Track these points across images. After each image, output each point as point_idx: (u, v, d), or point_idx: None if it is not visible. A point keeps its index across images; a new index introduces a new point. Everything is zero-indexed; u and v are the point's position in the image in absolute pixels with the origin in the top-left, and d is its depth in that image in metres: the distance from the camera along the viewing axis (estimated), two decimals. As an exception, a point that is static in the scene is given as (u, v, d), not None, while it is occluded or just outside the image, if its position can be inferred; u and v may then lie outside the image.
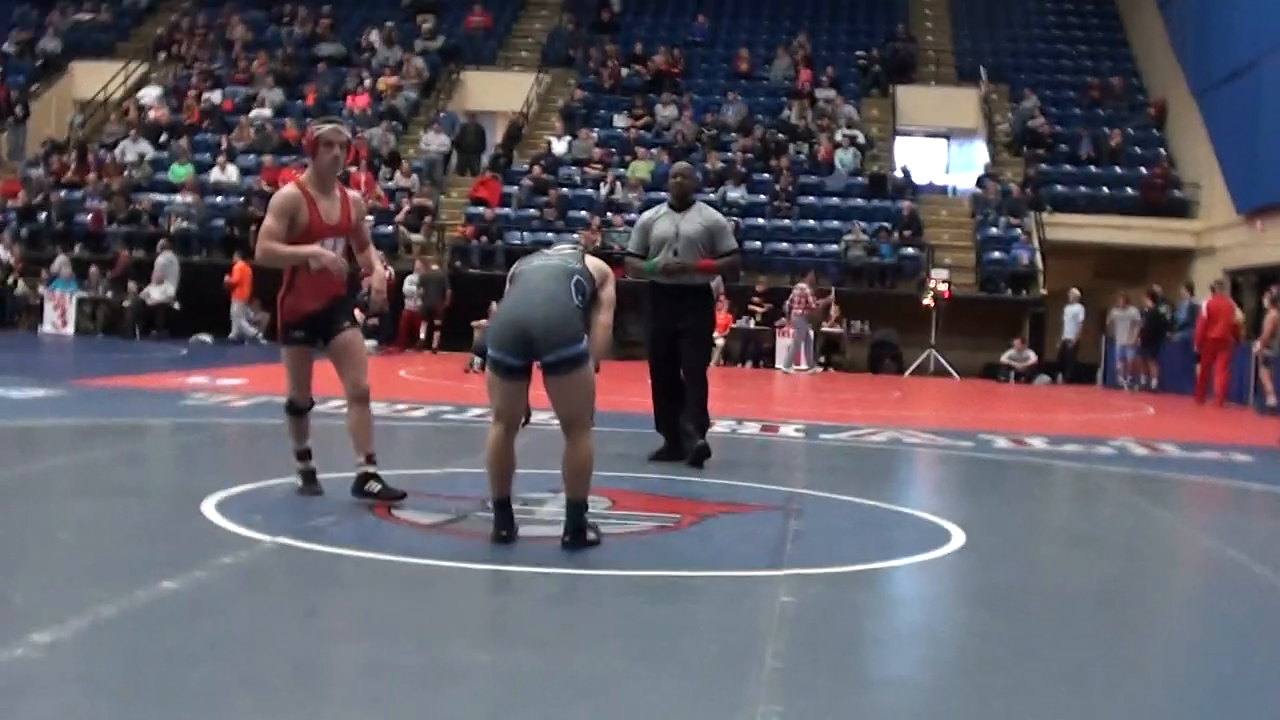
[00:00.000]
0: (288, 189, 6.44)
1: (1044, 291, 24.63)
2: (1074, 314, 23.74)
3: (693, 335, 8.99)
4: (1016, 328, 24.20)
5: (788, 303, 23.03)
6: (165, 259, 23.95)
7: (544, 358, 5.41)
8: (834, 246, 25.59)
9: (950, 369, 23.48)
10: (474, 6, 32.87)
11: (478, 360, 5.99)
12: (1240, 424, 15.75)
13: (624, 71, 30.76)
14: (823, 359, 23.90)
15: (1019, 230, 25.56)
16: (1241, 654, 4.48)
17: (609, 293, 5.88)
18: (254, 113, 29.18)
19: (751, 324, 24.02)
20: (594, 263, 5.82)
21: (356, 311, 24.75)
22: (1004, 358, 23.33)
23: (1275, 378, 17.29)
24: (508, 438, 5.59)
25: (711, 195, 25.14)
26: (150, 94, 30.38)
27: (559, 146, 28.19)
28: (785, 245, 25.62)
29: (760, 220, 26.06)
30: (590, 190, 26.83)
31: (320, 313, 6.41)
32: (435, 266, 24.00)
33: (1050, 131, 28.24)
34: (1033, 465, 10.15)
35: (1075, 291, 24.07)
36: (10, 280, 24.65)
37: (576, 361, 5.42)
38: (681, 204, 9.13)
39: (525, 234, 25.65)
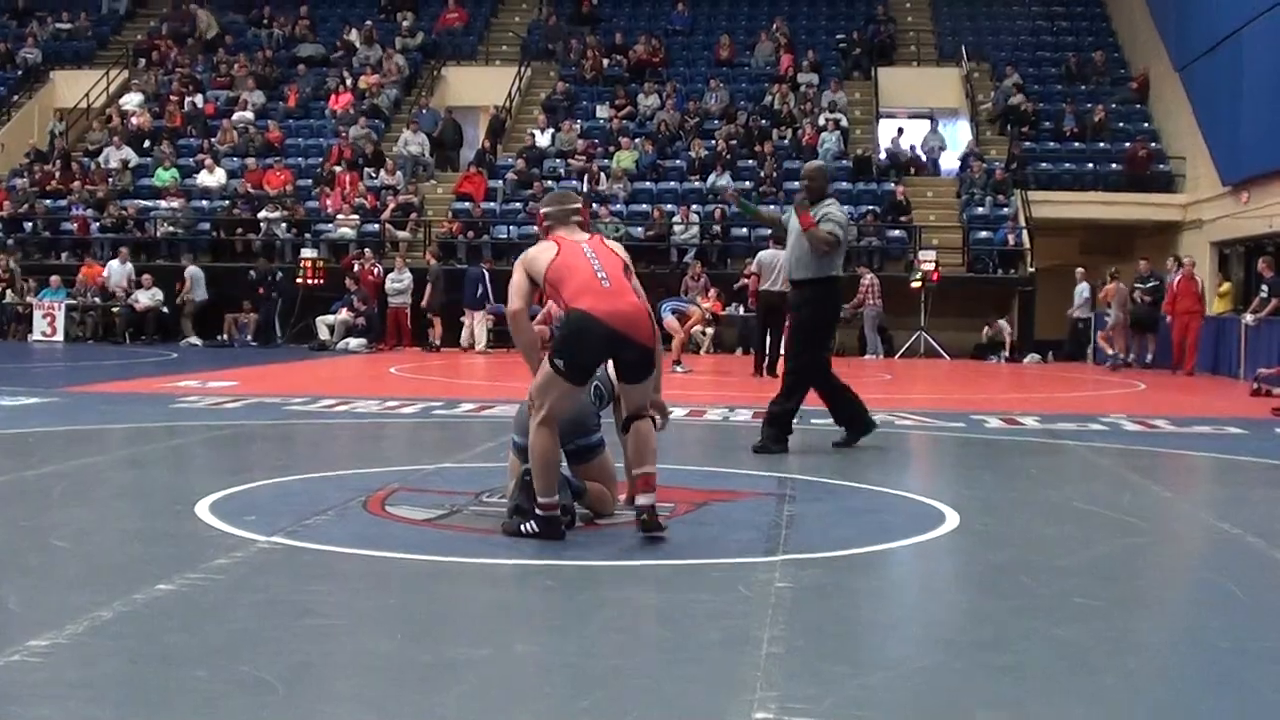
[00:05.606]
0: None
1: (1032, 270, 24.63)
2: (1081, 292, 23.75)
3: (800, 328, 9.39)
4: (1006, 307, 24.21)
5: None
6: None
7: (564, 445, 5.83)
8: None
9: (941, 350, 23.49)
10: (448, 2, 32.73)
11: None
12: (1231, 397, 15.78)
13: (605, 62, 30.70)
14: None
15: (1005, 209, 25.56)
16: (1238, 627, 4.49)
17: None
18: (236, 115, 29.12)
19: (741, 310, 23.92)
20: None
21: (345, 311, 24.52)
22: (984, 336, 23.39)
23: (1120, 337, 21.01)
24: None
25: (697, 183, 25.13)
26: (132, 100, 30.28)
27: (542, 139, 28.12)
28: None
29: (746, 207, 25.95)
30: (575, 182, 26.77)
31: None
32: (433, 261, 23.66)
33: (1033, 108, 28.21)
34: (1025, 444, 10.17)
35: (1080, 270, 24.08)
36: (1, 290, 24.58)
37: (592, 449, 6.06)
38: (815, 203, 9.37)
39: (511, 228, 25.63)
